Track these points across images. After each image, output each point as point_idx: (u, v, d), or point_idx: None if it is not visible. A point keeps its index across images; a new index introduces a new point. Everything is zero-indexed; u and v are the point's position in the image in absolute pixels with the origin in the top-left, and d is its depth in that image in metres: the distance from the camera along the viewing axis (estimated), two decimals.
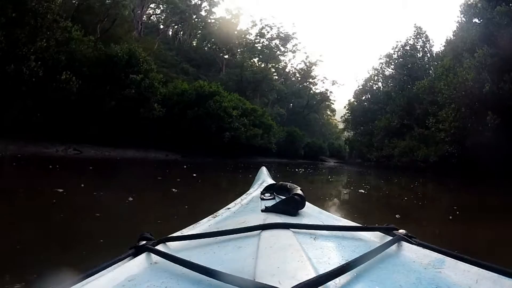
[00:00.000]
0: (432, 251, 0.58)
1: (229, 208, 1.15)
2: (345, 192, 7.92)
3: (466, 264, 0.52)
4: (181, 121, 18.71)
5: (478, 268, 0.50)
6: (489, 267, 0.49)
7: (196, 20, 41.23)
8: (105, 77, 15.15)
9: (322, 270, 0.46)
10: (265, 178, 1.83)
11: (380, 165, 28.12)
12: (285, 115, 39.92)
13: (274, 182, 1.43)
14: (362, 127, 37.97)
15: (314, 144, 45.20)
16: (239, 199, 1.30)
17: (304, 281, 0.41)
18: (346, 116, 44.93)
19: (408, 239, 0.64)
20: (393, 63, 34.37)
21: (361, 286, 0.48)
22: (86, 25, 17.90)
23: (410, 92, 28.14)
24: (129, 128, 15.90)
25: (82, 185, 5.49)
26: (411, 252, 0.61)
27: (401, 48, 32.90)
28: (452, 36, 22.89)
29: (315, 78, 53.01)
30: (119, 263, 0.59)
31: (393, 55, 34.39)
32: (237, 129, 21.31)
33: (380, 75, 37.76)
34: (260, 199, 1.20)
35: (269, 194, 1.21)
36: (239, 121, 21.84)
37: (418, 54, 31.49)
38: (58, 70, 13.27)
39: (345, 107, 45.21)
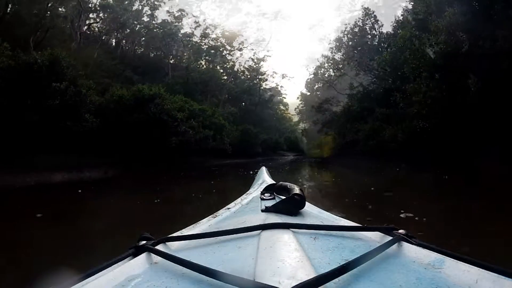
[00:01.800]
0: (432, 251, 0.59)
1: (229, 208, 1.16)
2: None
3: (466, 264, 0.52)
4: (120, 130, 16.66)
5: (478, 268, 0.50)
6: (489, 267, 0.50)
7: (138, 26, 39.09)
8: (24, 88, 13.11)
9: (322, 270, 0.48)
10: (265, 178, 1.80)
11: (343, 153, 26.33)
12: (238, 114, 38.01)
13: (274, 182, 1.41)
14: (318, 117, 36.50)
15: (271, 140, 43.35)
16: (239, 199, 1.31)
17: (304, 281, 0.43)
18: (300, 108, 43.81)
19: (408, 239, 0.65)
20: (343, 48, 33.03)
21: (361, 286, 0.48)
22: (17, 38, 16.24)
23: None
24: (58, 145, 13.65)
25: None
26: (411, 252, 0.61)
27: (351, 31, 31.65)
28: (409, 5, 21.59)
29: (264, 74, 51.78)
30: (119, 263, 0.60)
31: (343, 39, 33.16)
32: (184, 132, 19.40)
33: (331, 61, 36.60)
34: (260, 199, 1.19)
35: (269, 194, 1.21)
36: (186, 124, 19.97)
37: (368, 36, 30.27)
38: None
39: (298, 98, 44.33)
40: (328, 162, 21.09)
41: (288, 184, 1.11)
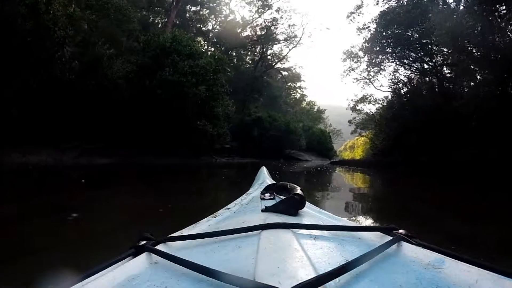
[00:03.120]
0: (432, 251, 0.60)
1: (229, 208, 1.18)
2: None
3: (466, 264, 0.54)
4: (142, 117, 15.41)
5: (478, 268, 0.52)
6: (489, 267, 0.51)
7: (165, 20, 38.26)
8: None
9: (322, 270, 0.49)
10: (265, 178, 1.85)
11: (380, 156, 24.75)
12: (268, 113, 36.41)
13: (274, 182, 1.47)
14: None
15: (298, 141, 38.13)
16: (239, 199, 1.34)
17: (304, 281, 0.44)
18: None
19: (408, 239, 0.66)
20: (381, 42, 31.24)
21: (361, 286, 0.50)
22: None
23: None
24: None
25: None
26: (411, 252, 0.62)
27: (391, 23, 29.85)
28: None
29: (296, 72, 50.30)
30: (119, 263, 0.61)
31: (383, 33, 31.29)
32: (204, 126, 18.04)
33: (369, 55, 35.00)
34: (260, 199, 1.23)
35: (269, 194, 1.24)
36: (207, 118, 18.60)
37: (409, 32, 28.55)
38: None
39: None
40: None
41: (288, 184, 1.15)
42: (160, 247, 0.69)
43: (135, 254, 0.65)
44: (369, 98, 30.62)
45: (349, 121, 34.56)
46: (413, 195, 7.76)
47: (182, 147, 16.83)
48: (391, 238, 0.67)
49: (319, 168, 19.94)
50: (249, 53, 43.38)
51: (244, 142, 27.48)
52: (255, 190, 1.51)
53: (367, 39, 29.07)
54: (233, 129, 24.24)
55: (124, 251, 0.66)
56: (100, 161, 12.69)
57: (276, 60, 44.28)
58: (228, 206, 1.23)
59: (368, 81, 30.66)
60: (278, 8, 40.95)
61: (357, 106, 31.01)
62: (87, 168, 10.94)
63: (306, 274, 0.48)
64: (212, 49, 35.54)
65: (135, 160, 13.71)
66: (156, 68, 16.17)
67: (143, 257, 0.63)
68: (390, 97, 27.80)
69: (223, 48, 35.61)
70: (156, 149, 15.31)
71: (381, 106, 28.83)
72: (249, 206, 1.18)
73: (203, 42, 34.95)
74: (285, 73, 48.54)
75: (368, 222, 4.00)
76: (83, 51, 13.45)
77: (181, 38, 17.66)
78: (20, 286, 1.68)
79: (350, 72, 31.63)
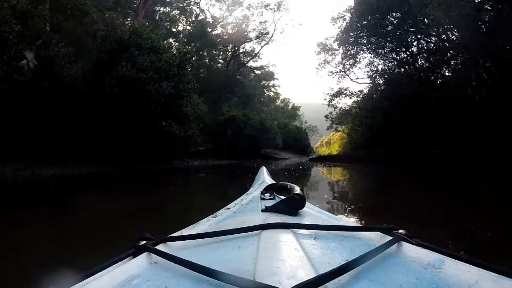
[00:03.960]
0: (432, 251, 0.61)
1: (229, 208, 1.21)
2: None
3: (466, 264, 0.55)
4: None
5: (478, 268, 0.53)
6: (489, 267, 0.52)
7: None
8: None
9: (322, 270, 0.50)
10: (265, 178, 1.89)
11: (358, 151, 24.46)
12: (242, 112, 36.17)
13: (274, 182, 1.50)
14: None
15: (275, 139, 37.40)
16: (239, 199, 1.36)
17: (304, 281, 0.45)
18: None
19: (408, 239, 0.67)
20: (355, 30, 30.70)
21: (361, 286, 0.51)
22: None
23: None
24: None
25: None
26: (411, 252, 0.64)
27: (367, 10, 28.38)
28: None
29: (268, 70, 50.54)
30: (119, 262, 0.62)
31: (359, 23, 30.34)
32: (170, 127, 16.67)
33: (343, 46, 34.85)
34: (260, 199, 1.25)
35: (269, 194, 1.27)
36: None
37: (389, 18, 27.66)
38: None
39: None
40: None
41: (288, 184, 1.17)
42: (160, 247, 0.71)
43: (135, 254, 0.66)
44: (345, 92, 30.94)
45: (326, 116, 34.64)
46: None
47: (149, 151, 15.52)
48: (391, 238, 0.68)
49: (300, 167, 19.33)
50: (221, 52, 43.12)
51: (219, 143, 26.79)
52: (255, 190, 1.53)
53: (342, 29, 28.82)
54: (207, 131, 23.29)
55: (124, 250, 0.68)
56: (48, 173, 11.04)
57: (248, 58, 43.81)
58: (228, 206, 1.25)
59: (343, 73, 30.64)
60: (249, 5, 40.96)
61: (333, 100, 31.11)
62: (27, 182, 9.41)
63: (306, 274, 0.50)
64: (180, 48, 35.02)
65: (93, 170, 12.26)
66: (112, 64, 14.75)
67: (143, 257, 0.65)
68: (368, 88, 28.00)
69: (194, 49, 35.16)
70: (119, 155, 14.05)
71: (357, 99, 29.09)
72: (249, 206, 1.21)
73: (174, 44, 34.49)
74: (258, 71, 48.30)
75: (367, 221, 4.05)
76: (38, 52, 12.47)
77: (141, 31, 16.39)
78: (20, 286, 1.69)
79: (325, 65, 31.28)
